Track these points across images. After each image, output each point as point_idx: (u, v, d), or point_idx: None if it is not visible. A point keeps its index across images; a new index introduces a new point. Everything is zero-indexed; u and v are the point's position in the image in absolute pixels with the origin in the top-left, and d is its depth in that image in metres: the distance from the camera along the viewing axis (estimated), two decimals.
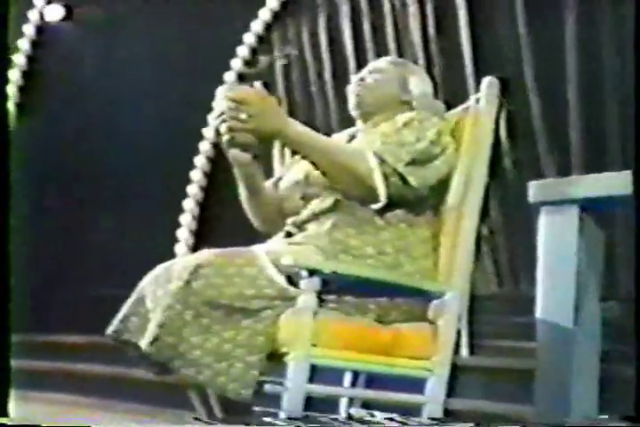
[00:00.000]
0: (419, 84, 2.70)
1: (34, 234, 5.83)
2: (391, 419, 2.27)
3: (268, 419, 2.23)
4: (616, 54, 3.53)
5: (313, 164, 2.47)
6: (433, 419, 2.35)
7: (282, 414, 2.23)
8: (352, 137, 2.72)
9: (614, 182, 2.17)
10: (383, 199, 2.43)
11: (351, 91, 2.72)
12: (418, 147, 2.46)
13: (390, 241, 2.47)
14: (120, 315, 2.43)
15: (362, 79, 2.71)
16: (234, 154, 2.54)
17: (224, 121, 2.38)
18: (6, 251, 2.22)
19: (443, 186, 2.52)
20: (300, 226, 2.55)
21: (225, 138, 2.40)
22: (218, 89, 2.44)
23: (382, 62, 2.78)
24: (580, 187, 2.29)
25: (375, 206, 2.45)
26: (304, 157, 2.49)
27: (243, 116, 2.37)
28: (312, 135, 2.47)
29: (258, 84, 2.46)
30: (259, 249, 2.45)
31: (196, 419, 2.37)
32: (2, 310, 2.22)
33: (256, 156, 2.56)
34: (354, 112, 2.71)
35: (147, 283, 2.42)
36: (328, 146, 2.48)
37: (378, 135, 2.54)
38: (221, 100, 2.40)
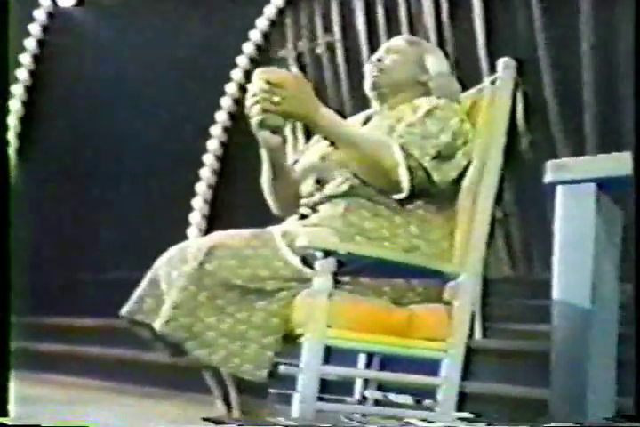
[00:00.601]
0: (435, 63, 2.68)
1: (48, 219, 5.86)
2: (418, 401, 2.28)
3: (281, 419, 2.23)
4: (630, 35, 3.51)
5: (332, 144, 2.46)
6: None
7: (296, 397, 2.22)
8: (367, 119, 2.70)
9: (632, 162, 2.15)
10: (406, 193, 2.43)
11: (368, 71, 2.70)
12: (442, 140, 2.46)
13: (406, 224, 2.47)
14: (134, 296, 2.43)
15: (379, 60, 2.70)
16: (265, 136, 2.52)
17: (257, 102, 2.37)
18: (7, 237, 2.21)
19: (461, 176, 2.51)
20: (314, 207, 2.54)
21: (256, 119, 2.39)
22: (254, 71, 2.43)
23: (399, 41, 2.76)
24: (597, 166, 2.27)
25: (396, 197, 2.44)
26: (331, 144, 2.47)
27: (276, 98, 2.36)
28: (341, 124, 2.46)
29: (294, 68, 2.46)
30: (274, 230, 2.44)
31: (206, 420, 2.35)
32: (3, 294, 2.22)
33: (284, 139, 2.55)
34: (370, 93, 2.70)
35: (161, 264, 2.42)
36: (356, 136, 2.46)
37: (395, 120, 2.54)
38: (256, 81, 2.39)
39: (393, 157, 2.41)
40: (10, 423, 2.20)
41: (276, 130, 2.45)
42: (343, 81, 4.84)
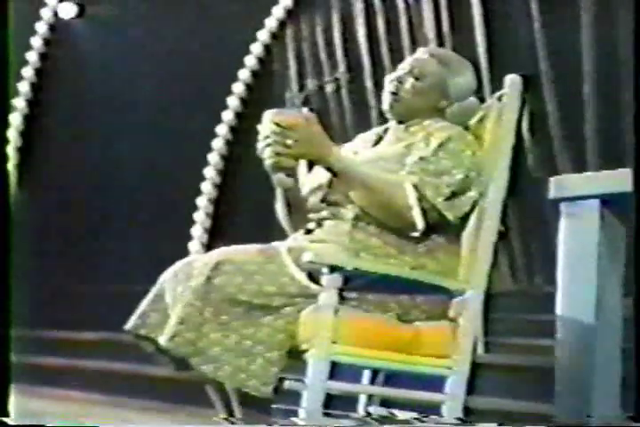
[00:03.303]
0: (459, 87, 2.62)
1: (51, 231, 5.85)
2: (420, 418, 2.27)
3: (294, 419, 2.23)
4: (632, 49, 3.51)
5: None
6: (458, 419, 2.35)
7: (301, 412, 2.23)
8: (379, 138, 2.68)
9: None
10: (419, 233, 2.43)
11: (387, 91, 2.64)
12: (456, 177, 2.44)
13: (413, 242, 2.46)
14: (139, 311, 2.43)
15: (400, 81, 2.63)
16: (279, 178, 2.48)
17: (269, 145, 2.37)
18: (8, 250, 2.21)
19: (473, 207, 2.51)
20: (320, 222, 2.53)
21: (269, 162, 2.39)
22: (264, 112, 2.42)
23: (425, 58, 2.66)
24: (601, 182, 2.27)
25: (411, 235, 2.45)
26: (343, 185, 2.47)
27: (288, 141, 2.36)
28: (353, 166, 2.46)
29: (305, 109, 2.45)
30: (280, 246, 2.44)
31: (225, 419, 2.37)
32: (3, 307, 2.22)
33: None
34: (386, 114, 2.67)
35: (166, 279, 2.42)
36: (367, 178, 2.45)
37: (407, 146, 2.53)
38: (267, 123, 2.38)
39: (406, 199, 2.40)
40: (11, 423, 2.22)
41: (290, 172, 2.45)
42: (344, 94, 4.85)
